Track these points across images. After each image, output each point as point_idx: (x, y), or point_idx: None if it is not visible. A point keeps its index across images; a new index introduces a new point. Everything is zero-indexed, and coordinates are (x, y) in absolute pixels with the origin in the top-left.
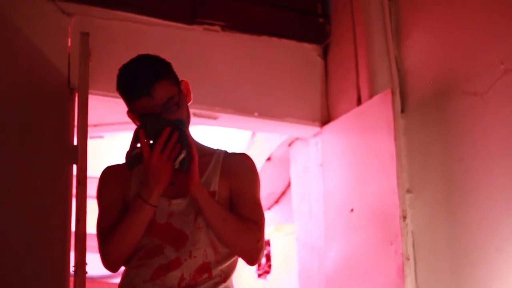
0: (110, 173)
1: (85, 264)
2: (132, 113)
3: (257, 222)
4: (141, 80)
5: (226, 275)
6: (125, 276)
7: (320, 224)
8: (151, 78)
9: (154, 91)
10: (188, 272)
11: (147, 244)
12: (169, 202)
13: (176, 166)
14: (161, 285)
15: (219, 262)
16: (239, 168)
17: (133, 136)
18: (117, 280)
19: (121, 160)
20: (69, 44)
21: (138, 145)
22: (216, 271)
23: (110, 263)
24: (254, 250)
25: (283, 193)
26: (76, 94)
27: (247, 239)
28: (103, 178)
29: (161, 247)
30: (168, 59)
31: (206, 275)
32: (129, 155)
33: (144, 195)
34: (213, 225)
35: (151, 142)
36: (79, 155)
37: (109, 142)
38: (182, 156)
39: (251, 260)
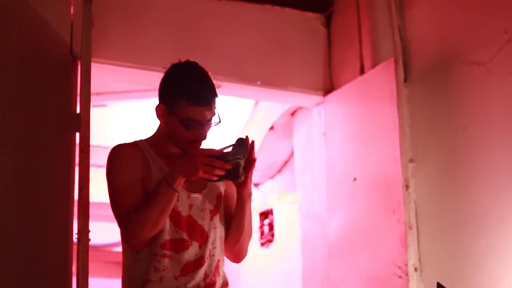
0: (126, 152)
1: (88, 231)
2: (175, 114)
3: None
4: (208, 90)
5: (225, 276)
6: (145, 262)
7: (323, 193)
8: (213, 92)
9: (212, 104)
10: (210, 269)
11: (170, 234)
12: (188, 194)
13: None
14: (190, 281)
15: (223, 261)
16: None
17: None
18: (119, 249)
19: (127, 133)
20: (72, 12)
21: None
22: (222, 271)
23: (134, 243)
24: (247, 252)
25: (285, 162)
26: (79, 62)
27: (249, 242)
28: (120, 157)
29: (187, 242)
30: (171, 28)
31: (218, 274)
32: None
33: (170, 179)
34: (242, 228)
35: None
36: (82, 123)
37: (112, 111)
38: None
39: (240, 260)
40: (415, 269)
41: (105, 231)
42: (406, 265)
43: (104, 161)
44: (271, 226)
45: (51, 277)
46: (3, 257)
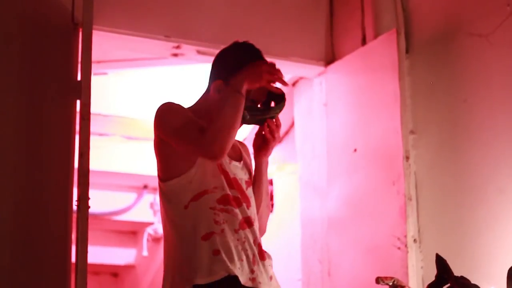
0: (178, 104)
1: (88, 198)
2: None
3: None
4: None
5: None
6: (198, 216)
7: (323, 163)
8: None
9: None
10: (256, 232)
11: (226, 189)
12: (230, 161)
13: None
14: (245, 237)
15: None
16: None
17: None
18: (119, 217)
19: (127, 101)
20: None
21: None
22: None
23: (215, 149)
24: (266, 227)
25: (286, 132)
26: (80, 30)
27: (268, 216)
28: (173, 106)
29: (240, 200)
30: None
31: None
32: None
33: (235, 85)
34: (261, 199)
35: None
36: (83, 90)
37: (113, 79)
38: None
39: (262, 233)
40: (414, 240)
41: (104, 200)
42: (405, 236)
43: (104, 129)
44: (270, 197)
45: (51, 245)
46: (2, 224)
